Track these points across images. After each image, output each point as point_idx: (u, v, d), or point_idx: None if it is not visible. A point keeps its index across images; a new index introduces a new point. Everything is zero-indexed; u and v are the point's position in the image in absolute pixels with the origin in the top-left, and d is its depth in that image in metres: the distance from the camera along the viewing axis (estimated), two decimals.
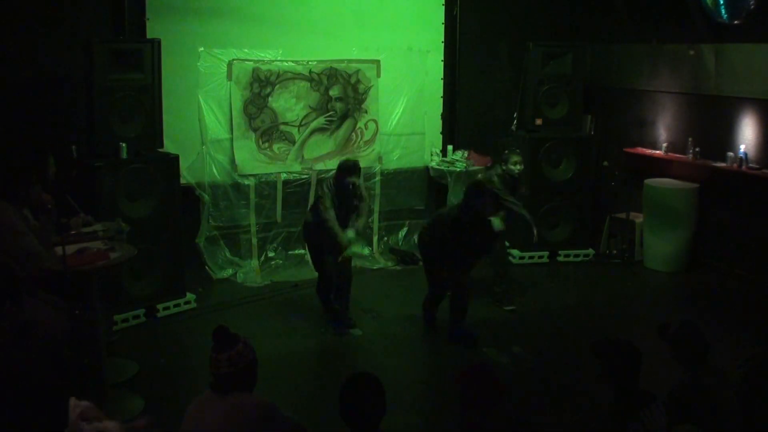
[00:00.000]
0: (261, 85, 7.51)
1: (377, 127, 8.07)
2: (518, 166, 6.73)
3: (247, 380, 3.23)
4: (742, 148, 7.14)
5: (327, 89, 7.83)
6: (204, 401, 3.21)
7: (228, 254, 7.60)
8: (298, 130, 7.76)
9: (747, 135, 7.20)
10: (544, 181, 7.91)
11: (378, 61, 8.01)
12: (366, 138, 8.02)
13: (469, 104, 8.63)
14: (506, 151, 6.91)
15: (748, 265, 7.16)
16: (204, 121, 7.30)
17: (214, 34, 7.27)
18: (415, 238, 8.45)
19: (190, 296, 6.72)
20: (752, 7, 6.62)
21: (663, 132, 8.18)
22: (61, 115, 6.62)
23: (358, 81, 7.95)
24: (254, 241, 7.69)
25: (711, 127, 7.58)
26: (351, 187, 6.12)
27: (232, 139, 7.45)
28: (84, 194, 5.79)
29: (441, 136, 8.55)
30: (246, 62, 7.42)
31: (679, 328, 3.72)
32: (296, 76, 7.67)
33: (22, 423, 2.81)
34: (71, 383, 4.17)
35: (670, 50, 7.95)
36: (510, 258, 7.57)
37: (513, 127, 8.23)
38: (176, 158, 6.60)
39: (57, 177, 4.94)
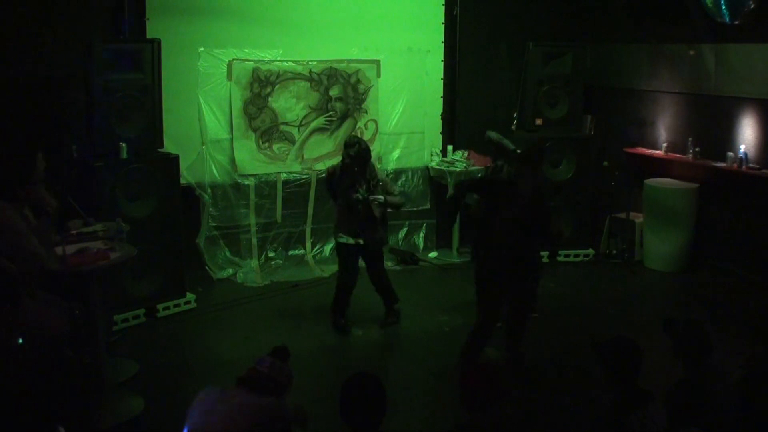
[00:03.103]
0: (261, 85, 7.51)
1: (377, 127, 8.07)
2: None
3: (270, 391, 3.35)
4: (742, 148, 7.13)
5: (327, 89, 7.83)
6: (219, 394, 3.29)
7: (228, 254, 7.61)
8: (298, 130, 7.76)
9: (747, 135, 7.19)
10: (544, 181, 7.90)
11: (378, 61, 8.01)
12: (366, 138, 7.98)
13: (469, 104, 8.62)
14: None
15: (748, 265, 7.15)
16: (204, 121, 7.30)
17: (214, 34, 7.26)
18: (415, 238, 8.50)
19: (190, 296, 6.72)
20: (752, 7, 6.62)
21: (663, 132, 8.18)
22: (61, 115, 6.62)
23: (358, 81, 7.95)
24: (254, 241, 7.70)
25: (711, 127, 7.58)
26: (348, 159, 5.96)
27: (232, 139, 7.45)
28: (84, 194, 5.79)
29: (441, 136, 8.55)
30: (246, 62, 7.43)
31: (684, 326, 3.73)
32: (296, 76, 7.67)
33: (21, 422, 2.81)
34: (71, 383, 4.18)
35: (670, 50, 7.95)
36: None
37: (513, 127, 8.23)
38: (176, 158, 6.60)
39: (55, 176, 4.95)
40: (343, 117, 7.93)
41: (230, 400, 3.23)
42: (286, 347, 3.54)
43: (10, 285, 3.04)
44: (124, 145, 6.16)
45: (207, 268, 7.41)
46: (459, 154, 8.32)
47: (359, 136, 7.86)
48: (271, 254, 7.83)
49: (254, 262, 7.65)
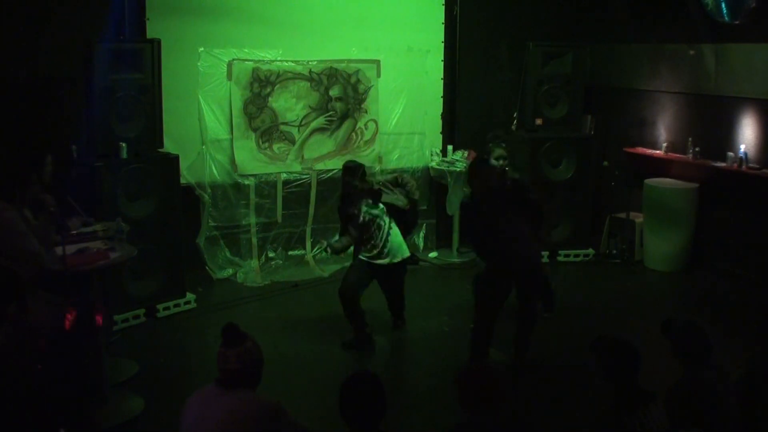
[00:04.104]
0: (261, 85, 7.51)
1: (377, 127, 8.07)
2: (500, 161, 5.99)
3: (253, 378, 3.28)
4: (742, 148, 7.13)
5: (327, 89, 7.83)
6: (208, 394, 3.23)
7: (228, 254, 7.60)
8: (298, 130, 7.76)
9: (747, 135, 7.20)
10: (544, 181, 7.91)
11: (378, 61, 8.01)
12: (366, 138, 8.02)
13: (469, 104, 8.62)
14: (489, 144, 6.39)
15: (748, 265, 7.15)
16: (204, 121, 7.30)
17: (214, 34, 7.26)
18: (415, 238, 8.48)
19: (190, 296, 6.73)
20: (752, 7, 6.62)
21: (663, 132, 8.18)
22: (61, 115, 6.62)
23: (358, 81, 7.96)
24: (254, 241, 7.70)
25: (711, 127, 7.58)
26: (352, 188, 5.95)
27: (232, 139, 7.45)
28: (84, 194, 5.79)
29: (441, 136, 8.55)
30: (246, 62, 7.43)
31: (683, 326, 3.72)
32: (296, 76, 7.67)
33: (22, 422, 2.81)
34: (71, 383, 4.18)
35: (670, 50, 7.95)
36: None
37: (513, 127, 8.24)
38: (176, 158, 6.60)
39: (55, 176, 4.95)
40: (343, 117, 7.93)
41: (227, 397, 3.20)
42: (232, 325, 3.28)
43: (15, 285, 3.05)
44: (124, 145, 6.16)
45: (207, 268, 7.41)
46: (459, 154, 8.32)
47: (358, 137, 7.90)
48: (271, 254, 7.83)
49: (254, 262, 7.65)
